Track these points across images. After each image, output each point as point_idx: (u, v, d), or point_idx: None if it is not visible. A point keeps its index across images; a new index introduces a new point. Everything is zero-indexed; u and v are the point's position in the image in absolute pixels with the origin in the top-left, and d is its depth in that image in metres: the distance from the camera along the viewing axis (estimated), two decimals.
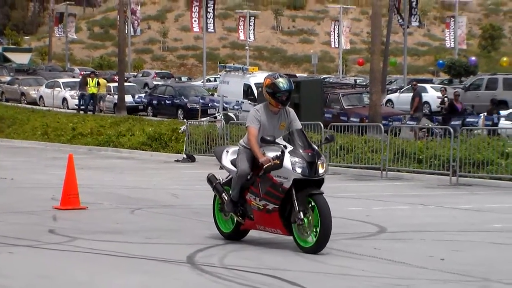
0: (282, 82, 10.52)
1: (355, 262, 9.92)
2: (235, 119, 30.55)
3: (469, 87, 41.42)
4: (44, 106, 44.86)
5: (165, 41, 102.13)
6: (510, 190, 19.61)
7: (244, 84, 37.33)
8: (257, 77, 36.44)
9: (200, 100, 39.31)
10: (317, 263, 9.84)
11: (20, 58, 71.28)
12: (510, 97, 35.45)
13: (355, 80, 52.43)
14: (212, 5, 59.38)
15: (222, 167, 11.78)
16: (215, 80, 49.28)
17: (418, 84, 38.00)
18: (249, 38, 71.58)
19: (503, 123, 28.68)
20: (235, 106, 35.89)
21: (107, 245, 10.79)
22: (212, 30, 61.96)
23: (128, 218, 14.12)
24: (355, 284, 8.79)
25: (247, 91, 36.29)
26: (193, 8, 59.84)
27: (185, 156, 26.41)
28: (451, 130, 22.24)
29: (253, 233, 11.50)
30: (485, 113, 29.98)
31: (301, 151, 10.24)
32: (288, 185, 10.13)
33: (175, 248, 10.72)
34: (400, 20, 52.30)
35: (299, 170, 10.08)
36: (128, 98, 41.12)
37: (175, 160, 26.53)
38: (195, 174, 22.07)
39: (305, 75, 54.71)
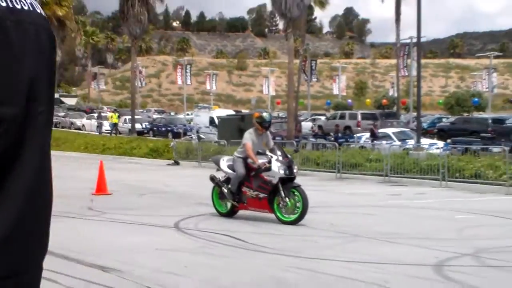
0: (266, 116, 13.72)
1: (284, 226, 12.35)
2: (203, 138, 38.36)
3: (329, 118, 52.92)
4: (85, 131, 57.39)
5: (160, 90, 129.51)
6: (372, 182, 22.98)
7: (210, 116, 46.16)
8: (217, 112, 49.37)
9: (183, 127, 49.45)
10: (256, 228, 12.36)
11: (70, 101, 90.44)
12: (352, 124, 46.61)
13: (278, 114, 60.74)
14: (189, 68, 73.33)
15: (219, 170, 14.32)
16: (191, 114, 57.89)
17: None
18: (213, 88, 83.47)
19: (365, 140, 33.81)
20: (203, 131, 44.02)
21: (124, 217, 13.42)
22: (190, 83, 75.48)
23: (137, 200, 17.24)
24: (281, 240, 11.11)
25: (212, 121, 44.15)
26: (178, 69, 75.30)
27: (173, 161, 32.11)
28: (337, 144, 27.52)
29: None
30: (367, 134, 35.79)
31: (281, 159, 12.90)
32: (275, 181, 12.64)
33: (167, 218, 13.14)
34: (305, 77, 62.31)
35: (282, 171, 12.67)
36: (137, 126, 51.55)
37: (167, 164, 31.94)
38: (179, 172, 27.33)
39: (248, 111, 63.29)
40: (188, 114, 61.60)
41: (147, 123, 55.33)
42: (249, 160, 13.20)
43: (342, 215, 14.11)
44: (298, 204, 12.49)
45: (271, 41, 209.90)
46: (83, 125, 61.06)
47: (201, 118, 48.03)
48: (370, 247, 10.42)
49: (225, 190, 13.53)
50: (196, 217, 13.51)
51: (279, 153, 13.11)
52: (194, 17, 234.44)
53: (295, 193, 12.62)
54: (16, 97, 1.52)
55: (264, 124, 13.59)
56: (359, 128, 44.48)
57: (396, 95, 69.28)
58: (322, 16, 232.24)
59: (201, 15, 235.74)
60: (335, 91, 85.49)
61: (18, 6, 1.54)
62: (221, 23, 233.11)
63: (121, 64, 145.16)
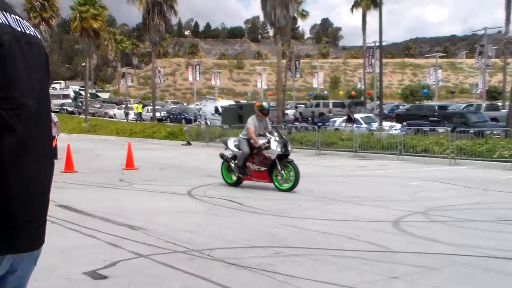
0: (265, 105, 13.72)
1: (275, 192, 12.51)
2: (209, 124, 38.12)
3: (307, 106, 52.68)
4: (116, 119, 57.37)
5: (175, 85, 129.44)
6: (344, 156, 23.04)
7: (215, 106, 46.25)
8: (221, 103, 49.97)
9: (193, 114, 48.83)
10: (252, 194, 12.36)
11: (104, 95, 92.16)
12: (325, 111, 46.86)
13: (269, 103, 61.05)
14: (198, 68, 75.31)
15: (227, 149, 14.19)
16: (200, 104, 58.14)
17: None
18: (217, 83, 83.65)
19: (339, 123, 34.02)
20: (209, 117, 43.72)
21: (148, 186, 13.50)
22: (198, 80, 78.25)
23: (158, 173, 17.19)
24: (272, 203, 11.07)
25: (216, 110, 44.25)
26: (189, 69, 77.80)
27: (186, 142, 32.18)
28: (316, 127, 27.56)
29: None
30: (342, 119, 35.77)
31: (278, 139, 12.89)
32: (274, 157, 12.69)
33: (181, 187, 13.18)
34: (291, 74, 62.76)
35: (279, 149, 12.69)
36: (157, 114, 51.37)
37: (181, 144, 31.89)
38: (191, 151, 27.21)
39: (245, 101, 63.89)
40: (197, 105, 61.52)
41: (165, 112, 55.29)
42: (252, 141, 13.23)
43: (321, 183, 14.13)
44: (291, 176, 12.55)
45: (263, 45, 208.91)
46: (114, 114, 60.69)
47: (208, 107, 48.06)
48: (343, 208, 10.45)
49: (233, 165, 13.56)
50: (205, 186, 13.54)
51: (276, 134, 13.12)
52: (201, 27, 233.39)
53: (289, 166, 12.63)
54: (33, 93, 1.86)
55: (263, 112, 13.53)
56: (330, 114, 45.22)
57: (363, 87, 69.36)
58: (304, 25, 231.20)
59: (207, 25, 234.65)
60: (315, 85, 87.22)
61: (28, 31, 1.97)
62: (223, 31, 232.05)
63: (144, 65, 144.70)
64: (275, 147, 12.72)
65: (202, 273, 6.02)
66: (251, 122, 13.44)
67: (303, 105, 57.33)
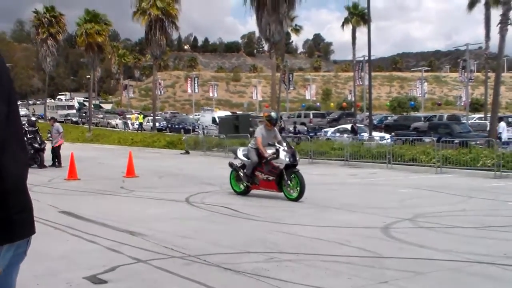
0: (273, 115, 13.20)
1: (268, 199, 12.44)
2: (207, 134, 37.75)
3: (290, 117, 52.97)
4: (118, 129, 56.93)
5: (175, 97, 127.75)
6: (335, 165, 22.77)
7: (212, 116, 46.18)
8: (218, 113, 49.61)
9: (192, 124, 48.70)
10: (245, 200, 12.29)
11: (107, 106, 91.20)
12: (306, 121, 47.79)
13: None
14: (197, 80, 74.97)
15: (236, 158, 13.67)
16: (198, 115, 57.83)
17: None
18: (214, 95, 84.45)
19: (331, 134, 33.81)
20: (207, 127, 43.49)
21: (148, 194, 13.40)
22: (197, 92, 77.48)
23: (157, 180, 17.05)
24: (266, 210, 11.11)
25: (214, 120, 44.16)
26: (188, 81, 77.77)
27: (185, 151, 31.88)
28: (309, 137, 27.48)
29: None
30: (334, 129, 35.58)
31: (287, 148, 12.46)
32: (282, 167, 12.22)
33: (180, 195, 12.96)
34: (285, 86, 62.93)
35: (287, 159, 12.24)
36: (157, 124, 51.10)
37: (180, 153, 31.58)
38: (189, 160, 26.94)
39: (241, 112, 63.94)
40: (196, 115, 61.49)
41: (165, 122, 55.15)
42: (260, 150, 12.84)
43: (314, 191, 13.88)
44: (297, 185, 12.13)
45: (258, 59, 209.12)
46: (116, 124, 60.40)
47: (205, 118, 48.06)
48: (335, 215, 10.38)
49: (241, 174, 13.10)
50: (202, 194, 13.42)
51: (285, 144, 12.73)
52: (200, 42, 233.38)
53: (295, 176, 12.18)
54: (4, 99, 2.01)
55: (272, 121, 13.01)
56: (311, 124, 46.57)
57: (353, 99, 69.36)
58: (297, 40, 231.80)
59: (206, 40, 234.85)
60: (307, 97, 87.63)
61: None
62: (220, 46, 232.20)
63: (145, 77, 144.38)
64: (284, 156, 12.29)
65: (198, 277, 5.93)
66: (259, 132, 12.97)
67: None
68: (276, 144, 12.63)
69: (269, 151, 12.53)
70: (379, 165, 22.03)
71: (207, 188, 14.50)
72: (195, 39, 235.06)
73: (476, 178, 17.77)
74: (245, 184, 13.10)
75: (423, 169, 20.39)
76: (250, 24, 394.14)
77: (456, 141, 23.16)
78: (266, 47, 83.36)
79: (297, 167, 12.43)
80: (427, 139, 25.11)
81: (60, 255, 7.00)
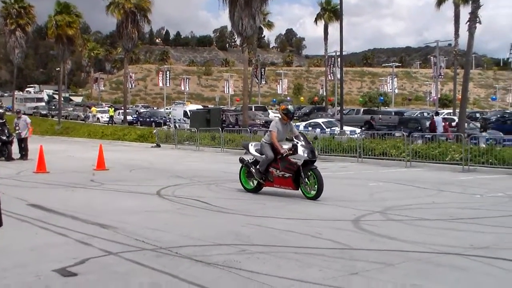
0: (291, 109, 12.16)
1: (240, 192, 12.48)
2: (178, 127, 37.44)
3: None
4: (90, 121, 55.12)
5: (146, 90, 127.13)
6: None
7: (184, 110, 45.21)
8: (190, 107, 49.17)
9: (163, 118, 48.32)
10: (217, 193, 12.24)
11: (77, 99, 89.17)
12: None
13: (235, 108, 59.49)
14: (168, 74, 75.49)
15: (247, 153, 12.76)
16: (170, 109, 57.23)
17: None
18: (186, 89, 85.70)
19: (303, 128, 33.70)
20: (178, 121, 43.27)
21: (118, 187, 13.24)
22: (168, 85, 78.05)
23: (128, 174, 16.92)
24: (237, 203, 10.96)
25: (185, 114, 43.21)
26: (159, 75, 77.85)
27: (155, 144, 31.86)
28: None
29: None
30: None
31: (305, 144, 11.55)
32: (300, 163, 11.37)
33: (151, 188, 12.91)
34: (257, 80, 62.75)
35: (306, 155, 11.38)
36: (128, 117, 50.46)
37: (151, 146, 31.55)
38: (160, 153, 26.81)
39: (213, 106, 63.55)
40: (167, 109, 61.04)
41: (136, 115, 54.60)
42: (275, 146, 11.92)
43: None
44: (314, 183, 11.35)
45: (230, 53, 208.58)
46: (87, 117, 58.90)
47: (177, 111, 47.49)
48: (306, 208, 10.39)
49: (253, 170, 12.20)
50: (173, 187, 13.34)
51: (302, 139, 11.72)
52: (172, 35, 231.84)
53: (312, 174, 11.40)
54: None
55: (288, 115, 12.05)
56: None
57: (324, 94, 69.72)
58: (269, 35, 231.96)
59: (178, 34, 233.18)
60: (279, 91, 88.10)
61: None
62: (192, 40, 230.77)
63: (116, 70, 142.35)
64: (302, 152, 11.42)
65: (170, 270, 5.90)
66: (274, 125, 12.02)
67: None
68: (294, 139, 11.77)
69: (285, 147, 11.70)
70: (350, 159, 22.23)
71: (178, 181, 14.40)
72: (167, 32, 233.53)
73: (445, 172, 18.07)
74: (257, 181, 12.30)
75: (393, 163, 20.63)
76: (222, 18, 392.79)
77: (426, 135, 23.54)
78: (238, 41, 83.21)
79: (315, 164, 11.69)
80: (397, 134, 25.40)
81: (29, 248, 6.88)
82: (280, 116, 12.35)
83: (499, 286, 5.63)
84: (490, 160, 18.55)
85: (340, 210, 10.14)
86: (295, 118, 36.32)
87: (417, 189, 13.50)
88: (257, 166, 12.13)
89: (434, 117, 29.13)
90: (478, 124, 32.93)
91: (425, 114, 45.28)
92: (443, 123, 28.40)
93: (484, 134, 24.53)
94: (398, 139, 23.12)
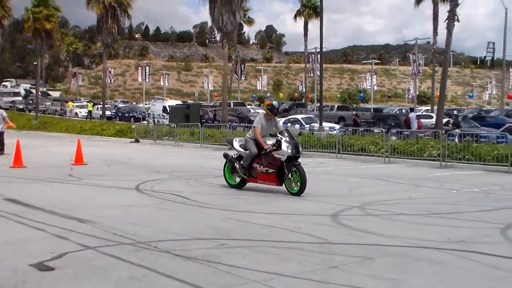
0: (275, 104, 12.05)
1: (219, 187, 12.43)
2: (157, 122, 36.63)
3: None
4: (67, 116, 54.33)
5: (125, 85, 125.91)
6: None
7: (163, 106, 44.89)
8: (169, 102, 49.08)
9: (142, 113, 47.87)
10: (196, 188, 12.18)
11: (55, 94, 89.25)
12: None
13: (214, 104, 58.89)
14: (148, 69, 75.04)
15: (232, 148, 12.63)
16: (149, 104, 56.66)
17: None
18: (165, 84, 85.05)
19: (282, 124, 34.12)
20: (157, 116, 42.40)
21: (97, 181, 13.15)
22: (148, 81, 77.89)
23: (107, 168, 16.75)
24: (218, 198, 10.89)
25: (164, 109, 42.87)
26: (138, 70, 76.54)
27: (134, 139, 31.75)
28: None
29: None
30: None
31: (289, 139, 11.42)
32: (284, 159, 11.27)
33: (129, 182, 12.86)
34: (236, 76, 62.88)
35: (290, 150, 11.26)
36: (107, 112, 49.54)
37: (130, 142, 31.41)
38: (139, 148, 26.74)
39: (192, 101, 63.13)
40: (146, 104, 60.62)
41: (114, 111, 54.07)
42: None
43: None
44: (297, 179, 11.28)
45: (210, 49, 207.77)
46: (65, 112, 58.27)
47: (156, 107, 47.00)
48: (288, 203, 10.42)
49: (237, 166, 12.06)
50: (152, 181, 13.29)
51: (287, 135, 11.58)
52: (151, 30, 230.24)
53: (295, 170, 11.30)
54: None
55: (273, 110, 11.94)
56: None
57: (304, 90, 69.95)
58: (250, 31, 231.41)
59: (157, 29, 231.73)
60: (259, 87, 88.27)
61: None
62: (172, 35, 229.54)
63: (95, 65, 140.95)
64: (286, 148, 11.31)
65: (149, 264, 5.88)
66: (258, 121, 11.89)
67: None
68: (278, 135, 11.66)
69: (269, 142, 11.62)
70: (329, 155, 22.32)
71: (157, 176, 14.36)
72: (147, 27, 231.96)
73: (423, 168, 18.27)
74: (240, 177, 12.17)
75: (371, 159, 20.79)
76: (203, 14, 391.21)
77: (404, 132, 23.75)
78: (218, 37, 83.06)
79: (298, 160, 11.60)
80: (376, 130, 25.58)
81: (5, 242, 6.81)
82: (264, 112, 12.27)
83: (474, 279, 5.70)
84: (467, 156, 18.78)
85: (320, 205, 10.18)
86: None
87: (395, 185, 13.62)
88: (241, 162, 12.03)
89: (409, 113, 29.60)
90: (451, 120, 33.32)
91: (403, 111, 45.71)
92: (417, 120, 28.89)
93: (457, 130, 24.87)
94: (377, 135, 23.26)
